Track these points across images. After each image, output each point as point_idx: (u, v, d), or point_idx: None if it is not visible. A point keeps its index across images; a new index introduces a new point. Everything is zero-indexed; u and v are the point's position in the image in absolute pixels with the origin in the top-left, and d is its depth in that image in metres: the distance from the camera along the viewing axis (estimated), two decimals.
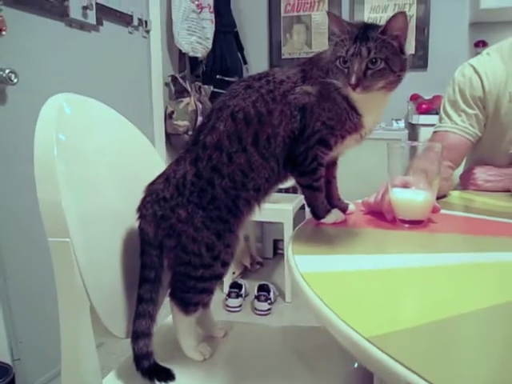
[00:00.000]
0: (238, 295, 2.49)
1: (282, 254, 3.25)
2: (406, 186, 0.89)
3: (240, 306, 2.48)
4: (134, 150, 1.02)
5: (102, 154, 0.88)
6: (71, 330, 0.75)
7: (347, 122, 0.83)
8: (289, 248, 0.76)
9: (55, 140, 0.73)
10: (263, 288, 2.53)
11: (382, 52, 0.75)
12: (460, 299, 0.55)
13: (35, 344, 1.72)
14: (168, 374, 0.79)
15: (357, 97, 0.80)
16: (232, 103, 0.82)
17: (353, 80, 0.76)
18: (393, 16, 0.75)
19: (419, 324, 0.48)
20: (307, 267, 0.65)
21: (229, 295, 2.48)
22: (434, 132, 1.42)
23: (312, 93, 0.82)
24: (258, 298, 2.45)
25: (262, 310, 2.42)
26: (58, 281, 0.73)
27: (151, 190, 0.84)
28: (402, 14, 0.75)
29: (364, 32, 0.76)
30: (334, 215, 0.91)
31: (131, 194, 0.86)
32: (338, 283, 0.62)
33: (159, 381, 0.78)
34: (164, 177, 0.84)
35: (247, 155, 0.81)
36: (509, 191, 1.24)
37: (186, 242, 0.81)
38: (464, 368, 0.40)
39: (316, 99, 0.82)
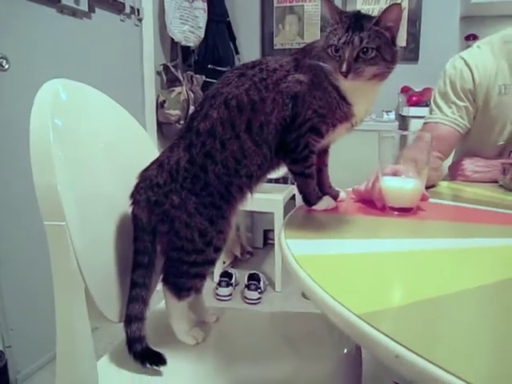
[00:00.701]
0: (228, 284, 2.51)
1: (272, 244, 3.27)
2: (395, 174, 0.90)
3: (230, 294, 2.50)
4: (128, 137, 1.02)
5: (96, 139, 0.89)
6: (66, 312, 0.76)
7: (337, 111, 0.84)
8: (281, 233, 0.77)
9: (51, 124, 0.73)
10: (253, 277, 2.55)
11: (374, 42, 0.76)
12: (447, 281, 0.57)
13: (26, 331, 1.73)
14: (159, 359, 0.80)
15: (347, 86, 0.81)
16: (225, 90, 0.83)
17: (344, 67, 0.76)
18: (388, 7, 0.76)
19: (408, 303, 0.50)
20: (300, 250, 0.66)
21: (219, 284, 2.49)
22: (425, 123, 1.44)
23: (304, 81, 0.83)
24: (248, 287, 2.47)
25: (252, 299, 2.44)
26: (53, 264, 0.73)
27: (145, 176, 0.84)
28: (398, 5, 0.76)
29: (357, 21, 0.77)
30: (326, 202, 0.92)
31: (125, 180, 0.87)
32: (330, 265, 0.63)
33: (151, 364, 0.80)
34: (158, 163, 0.85)
35: (240, 142, 0.82)
36: (496, 182, 1.26)
37: (179, 227, 0.82)
38: (450, 341, 0.42)
39: (308, 87, 0.83)
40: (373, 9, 3.10)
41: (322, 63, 0.81)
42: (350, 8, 3.16)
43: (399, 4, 0.76)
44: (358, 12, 0.80)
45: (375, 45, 0.76)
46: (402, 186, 0.90)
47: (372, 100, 0.87)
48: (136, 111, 2.52)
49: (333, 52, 0.78)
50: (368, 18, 0.78)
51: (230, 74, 0.85)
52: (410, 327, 0.44)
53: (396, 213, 0.90)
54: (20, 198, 1.67)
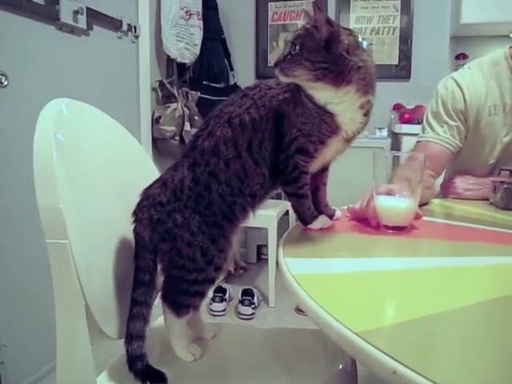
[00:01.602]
0: (222, 299, 2.51)
1: (266, 259, 3.27)
2: (390, 193, 0.92)
3: (224, 310, 2.50)
4: (127, 155, 1.04)
5: (97, 156, 0.91)
6: (67, 328, 0.77)
7: (322, 124, 0.83)
8: (279, 251, 0.79)
9: (54, 141, 0.75)
10: (247, 292, 2.56)
11: (300, 38, 0.80)
12: (441, 299, 0.59)
13: (20, 347, 1.72)
14: (160, 377, 0.79)
15: (320, 94, 0.82)
16: (229, 110, 0.85)
17: (275, 61, 0.82)
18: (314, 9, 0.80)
19: (404, 320, 0.51)
20: (298, 269, 0.68)
21: (213, 299, 2.49)
22: (417, 142, 1.47)
23: (289, 99, 0.85)
24: (242, 302, 2.48)
25: (245, 315, 2.44)
26: (55, 281, 0.74)
27: (148, 194, 0.85)
28: (321, 13, 0.80)
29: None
30: (321, 221, 0.93)
31: (125, 197, 0.88)
32: (328, 284, 0.65)
33: (151, 383, 0.79)
34: (161, 181, 0.85)
35: (242, 161, 0.83)
36: (487, 200, 1.29)
37: (181, 246, 0.82)
38: (446, 358, 0.43)
39: (292, 105, 0.84)
40: (365, 27, 3.16)
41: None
42: None
43: (321, 12, 0.80)
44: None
45: (299, 41, 0.80)
46: (396, 204, 0.92)
47: (354, 107, 0.84)
48: (132, 127, 2.55)
49: None
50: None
51: (234, 96, 0.88)
52: (406, 344, 0.46)
53: (390, 231, 0.92)
54: (17, 214, 1.68)
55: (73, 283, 0.74)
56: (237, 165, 0.83)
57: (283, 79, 0.83)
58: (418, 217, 0.96)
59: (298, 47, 0.80)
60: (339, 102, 0.83)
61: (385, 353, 0.42)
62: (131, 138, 1.06)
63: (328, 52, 0.80)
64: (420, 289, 0.64)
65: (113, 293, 0.86)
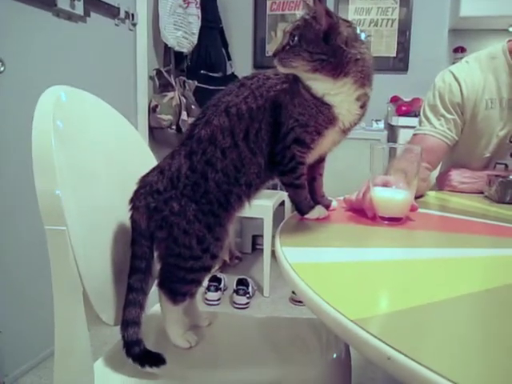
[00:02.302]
0: (217, 289, 2.52)
1: (261, 250, 3.28)
2: (386, 185, 0.93)
3: (219, 299, 2.51)
4: (125, 143, 1.04)
5: (95, 144, 0.91)
6: (65, 315, 0.77)
7: (319, 115, 0.84)
8: (276, 240, 0.80)
9: (53, 126, 0.75)
10: (242, 282, 2.57)
11: (299, 29, 0.80)
12: (436, 288, 0.60)
13: (14, 334, 1.73)
14: (159, 359, 0.80)
15: (317, 85, 0.83)
16: (226, 99, 0.86)
17: (273, 51, 0.82)
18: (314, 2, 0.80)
19: (398, 309, 0.53)
20: (295, 258, 0.69)
21: (208, 289, 2.51)
22: (414, 134, 1.47)
23: (286, 89, 0.85)
24: (236, 291, 2.49)
25: (240, 304, 2.46)
26: (53, 268, 0.74)
27: (145, 181, 0.85)
28: (321, 4, 0.80)
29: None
30: (317, 211, 0.94)
31: (123, 184, 0.89)
32: (324, 273, 0.66)
33: (151, 366, 0.80)
34: (158, 169, 0.86)
35: (238, 150, 0.84)
36: (481, 193, 1.30)
37: (178, 234, 0.83)
38: (439, 345, 0.44)
39: (289, 96, 0.85)
40: (364, 19, 3.15)
41: None
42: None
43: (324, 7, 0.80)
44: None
45: (298, 32, 0.80)
46: (392, 196, 0.93)
47: (351, 99, 0.85)
48: (128, 115, 2.55)
49: None
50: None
51: (232, 85, 0.88)
52: (401, 331, 0.47)
53: (386, 222, 0.93)
54: (17, 200, 1.68)
55: (71, 270, 0.74)
56: (233, 154, 0.84)
57: (281, 70, 0.84)
58: (413, 209, 0.97)
59: (296, 38, 0.80)
60: (336, 93, 0.83)
61: (379, 339, 0.43)
62: (129, 125, 1.06)
63: (327, 43, 0.80)
64: (415, 279, 0.65)
65: (110, 279, 0.87)
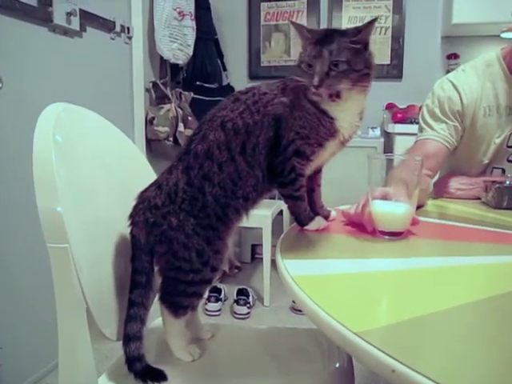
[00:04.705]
0: (218, 299, 2.51)
1: (260, 259, 3.28)
2: (385, 197, 0.89)
3: (219, 310, 2.50)
4: (124, 158, 1.04)
5: (95, 159, 0.91)
6: (69, 332, 0.77)
7: (321, 128, 0.85)
8: (277, 253, 0.80)
9: (53, 142, 0.75)
10: (242, 292, 2.57)
11: (344, 54, 0.79)
12: (436, 298, 0.60)
13: (16, 350, 1.72)
14: (160, 375, 0.81)
15: (326, 100, 0.83)
16: (222, 114, 0.86)
17: (315, 81, 0.79)
18: (368, 22, 0.80)
19: (400, 320, 0.53)
20: (296, 270, 0.69)
21: (208, 299, 2.50)
22: (416, 142, 1.46)
23: (286, 103, 0.86)
24: (237, 302, 2.48)
25: (241, 314, 2.45)
26: (56, 285, 0.75)
27: (143, 197, 0.86)
28: (376, 20, 0.81)
29: (326, 36, 0.81)
30: (317, 222, 0.94)
31: (123, 199, 0.89)
32: (326, 285, 0.67)
33: (152, 382, 0.80)
34: (156, 185, 0.86)
35: (236, 164, 0.84)
36: (479, 199, 1.31)
37: (177, 248, 0.83)
38: (443, 356, 0.45)
39: (289, 109, 0.85)
40: None
41: (298, 77, 0.84)
42: (335, 26, 3.23)
43: (376, 18, 0.81)
44: (327, 28, 0.84)
45: (345, 57, 0.79)
46: (392, 210, 0.89)
47: (355, 112, 0.87)
48: (126, 128, 2.56)
49: (306, 68, 0.82)
50: (338, 31, 0.82)
51: (226, 100, 0.89)
52: (404, 343, 0.47)
53: (386, 237, 0.89)
54: (18, 216, 1.67)
55: (74, 287, 0.74)
56: (230, 167, 0.84)
57: (324, 96, 0.82)
58: (414, 222, 0.94)
59: (344, 65, 0.79)
60: (347, 107, 0.85)
61: (384, 352, 0.43)
62: (127, 140, 1.07)
63: (364, 54, 0.82)
64: (415, 289, 0.65)
65: (113, 294, 0.87)
